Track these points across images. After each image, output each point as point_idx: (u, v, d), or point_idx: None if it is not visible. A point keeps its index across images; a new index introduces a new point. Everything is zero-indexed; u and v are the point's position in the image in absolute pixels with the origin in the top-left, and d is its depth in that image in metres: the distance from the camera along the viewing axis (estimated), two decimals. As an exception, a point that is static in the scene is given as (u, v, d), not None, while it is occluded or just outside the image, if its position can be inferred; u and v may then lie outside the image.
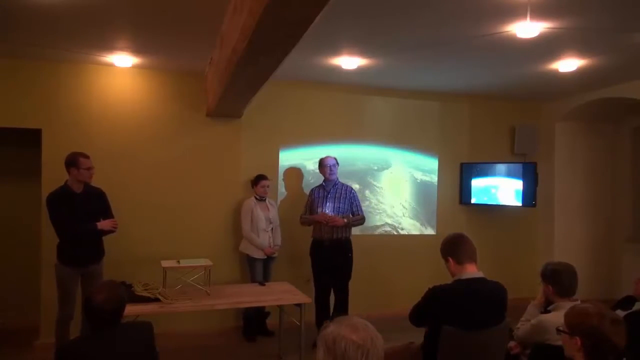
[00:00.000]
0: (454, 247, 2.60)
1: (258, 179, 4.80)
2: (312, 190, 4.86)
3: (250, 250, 4.74)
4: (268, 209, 4.82)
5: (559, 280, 2.63)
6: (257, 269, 4.72)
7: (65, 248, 3.82)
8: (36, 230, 4.50)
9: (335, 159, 4.76)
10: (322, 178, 4.80)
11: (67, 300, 3.83)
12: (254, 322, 4.79)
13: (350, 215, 4.64)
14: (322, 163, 4.77)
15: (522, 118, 6.27)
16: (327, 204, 4.62)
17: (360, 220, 4.73)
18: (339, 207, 4.61)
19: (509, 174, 5.81)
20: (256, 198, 4.79)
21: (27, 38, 3.87)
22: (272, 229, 4.81)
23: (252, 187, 4.84)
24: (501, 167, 5.91)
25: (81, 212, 3.79)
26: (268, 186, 4.82)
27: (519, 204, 5.73)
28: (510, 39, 3.69)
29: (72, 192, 3.82)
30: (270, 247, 4.74)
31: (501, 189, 5.85)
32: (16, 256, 4.98)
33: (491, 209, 6.06)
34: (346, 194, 4.68)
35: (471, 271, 2.55)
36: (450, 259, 2.59)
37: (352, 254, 4.66)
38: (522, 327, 2.75)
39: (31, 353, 4.33)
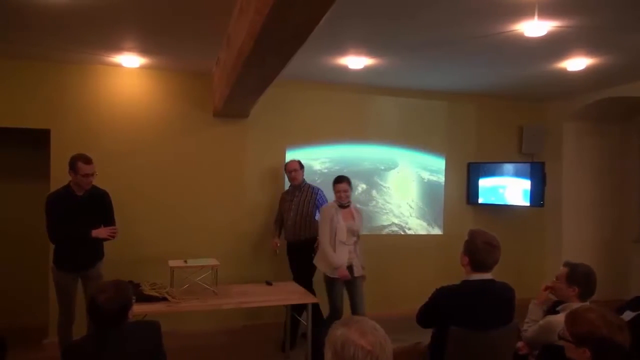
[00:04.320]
0: (479, 252, 2.50)
1: (333, 183, 4.20)
2: (282, 194, 4.91)
3: (325, 267, 4.12)
4: (353, 218, 4.16)
5: (588, 283, 2.61)
6: (337, 291, 4.10)
7: (59, 252, 3.74)
8: (44, 230, 4.52)
9: (298, 162, 4.75)
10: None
11: (65, 304, 3.75)
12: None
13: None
14: (286, 168, 4.80)
15: (529, 118, 6.24)
16: (292, 207, 4.68)
17: None
18: (302, 210, 4.66)
19: (517, 174, 5.78)
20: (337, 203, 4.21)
21: (36, 39, 3.90)
22: (355, 241, 4.16)
23: None
24: (509, 167, 5.88)
25: (79, 216, 3.66)
26: (346, 191, 4.12)
27: (527, 204, 5.70)
28: (517, 38, 3.67)
29: (73, 194, 3.69)
30: (350, 265, 4.09)
31: (509, 188, 5.82)
32: (26, 256, 5.02)
33: (499, 208, 6.03)
34: (310, 196, 4.70)
35: (481, 274, 2.53)
36: (468, 259, 2.54)
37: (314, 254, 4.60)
38: (530, 328, 2.73)
39: (40, 352, 4.37)
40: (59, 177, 4.30)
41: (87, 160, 3.64)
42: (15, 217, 5.06)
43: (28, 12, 3.28)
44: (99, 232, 3.70)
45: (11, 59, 4.45)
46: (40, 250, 4.71)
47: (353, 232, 4.12)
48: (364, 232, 4.85)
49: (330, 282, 4.09)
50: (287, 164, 4.82)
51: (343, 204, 4.13)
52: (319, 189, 4.80)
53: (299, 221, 4.66)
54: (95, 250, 3.85)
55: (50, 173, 4.54)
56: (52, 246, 3.84)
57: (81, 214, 3.67)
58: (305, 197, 4.70)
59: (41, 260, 4.65)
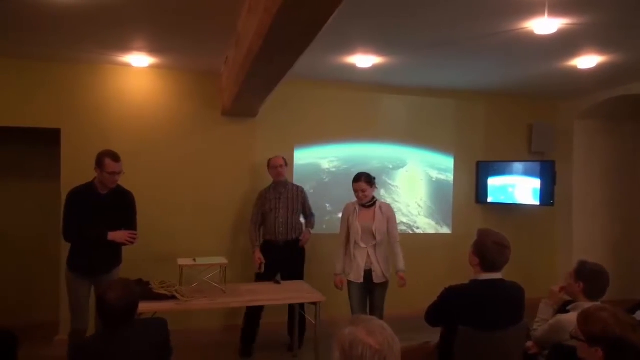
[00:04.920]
0: (489, 253, 2.47)
1: (352, 182, 3.93)
2: (262, 191, 4.62)
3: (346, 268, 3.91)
4: (373, 218, 3.87)
5: (595, 281, 2.58)
6: (353, 297, 3.87)
7: (73, 253, 3.58)
8: (56, 228, 4.55)
9: (282, 158, 4.58)
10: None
11: (78, 310, 3.56)
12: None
13: (306, 222, 4.68)
14: (271, 164, 4.57)
15: (539, 116, 6.19)
16: (281, 205, 4.49)
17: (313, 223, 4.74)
18: (293, 208, 4.54)
19: (526, 173, 5.74)
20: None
21: (46, 39, 3.93)
22: (375, 245, 3.85)
23: None
24: (518, 166, 5.84)
25: (100, 216, 3.48)
26: (364, 190, 3.82)
27: (537, 203, 5.66)
28: (527, 35, 3.64)
29: (96, 192, 3.51)
30: (369, 270, 3.81)
31: (518, 187, 5.78)
32: (37, 253, 5.07)
33: (508, 208, 5.99)
34: (297, 194, 4.60)
35: (491, 273, 2.51)
36: (478, 259, 2.51)
37: (304, 252, 4.63)
38: (539, 327, 2.71)
39: (51, 348, 4.40)
40: (70, 175, 4.34)
41: (116, 158, 3.48)
42: (26, 215, 5.12)
43: (38, 12, 3.31)
44: (116, 236, 3.50)
45: (22, 59, 4.49)
46: (51, 248, 4.77)
47: (372, 234, 3.82)
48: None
49: (349, 285, 3.90)
50: (272, 160, 4.59)
51: (363, 203, 3.89)
52: (303, 188, 4.72)
53: (291, 219, 4.52)
54: (112, 254, 3.66)
55: (60, 172, 4.58)
56: (64, 245, 3.76)
57: (102, 213, 3.49)
58: (293, 195, 4.57)
59: (52, 257, 4.70)
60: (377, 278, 3.84)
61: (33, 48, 4.18)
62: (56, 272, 4.54)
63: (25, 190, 5.14)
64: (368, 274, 3.84)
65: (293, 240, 4.53)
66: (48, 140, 4.78)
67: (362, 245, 3.84)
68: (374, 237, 3.83)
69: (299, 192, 4.64)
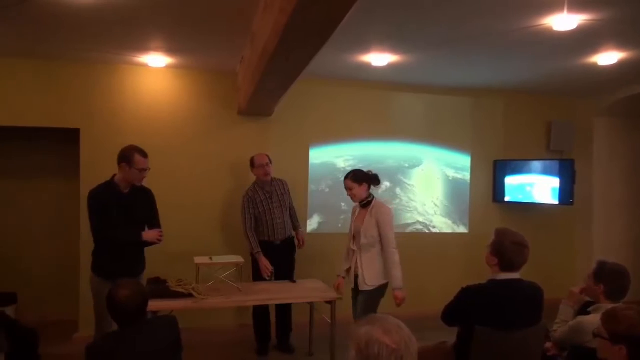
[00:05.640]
0: (508, 253, 2.44)
1: None
2: (248, 194, 4.37)
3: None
4: (362, 220, 3.59)
5: (616, 282, 2.52)
6: (353, 300, 3.75)
7: (100, 257, 3.35)
8: (76, 222, 4.62)
9: (267, 155, 4.39)
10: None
11: (104, 320, 3.08)
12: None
13: (297, 226, 4.64)
14: (256, 163, 4.34)
15: (558, 114, 6.10)
16: (274, 205, 4.35)
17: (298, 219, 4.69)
18: (286, 205, 4.46)
19: (545, 172, 5.66)
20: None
21: (64, 40, 3.98)
22: (360, 247, 3.59)
23: None
24: (537, 165, 5.76)
25: (123, 216, 3.28)
26: (350, 189, 3.60)
27: (556, 202, 5.57)
28: (546, 32, 3.58)
29: (118, 191, 3.31)
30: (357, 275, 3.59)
31: (537, 186, 5.70)
32: (57, 250, 5.16)
33: (526, 207, 5.91)
34: (284, 189, 4.48)
35: (509, 273, 2.48)
36: (496, 259, 2.48)
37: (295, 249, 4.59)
38: (560, 329, 2.67)
39: (70, 345, 4.45)
40: (89, 175, 4.40)
41: (144, 154, 3.30)
42: (46, 214, 5.21)
43: (56, 13, 3.35)
44: (149, 235, 3.34)
45: (40, 60, 4.57)
46: (70, 246, 4.84)
47: (360, 236, 3.57)
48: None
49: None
50: (257, 158, 4.34)
51: (358, 203, 3.66)
52: (285, 180, 4.54)
53: (287, 217, 4.45)
54: (140, 257, 3.50)
55: (80, 171, 4.65)
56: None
57: (124, 213, 3.28)
58: (281, 191, 4.45)
59: (71, 255, 4.78)
60: (360, 284, 3.57)
61: (51, 49, 4.25)
62: (75, 269, 4.61)
63: (44, 189, 5.22)
64: (356, 279, 3.63)
65: (288, 238, 4.49)
66: (67, 139, 4.86)
67: (353, 248, 3.65)
68: (361, 240, 3.58)
69: (285, 186, 4.51)
